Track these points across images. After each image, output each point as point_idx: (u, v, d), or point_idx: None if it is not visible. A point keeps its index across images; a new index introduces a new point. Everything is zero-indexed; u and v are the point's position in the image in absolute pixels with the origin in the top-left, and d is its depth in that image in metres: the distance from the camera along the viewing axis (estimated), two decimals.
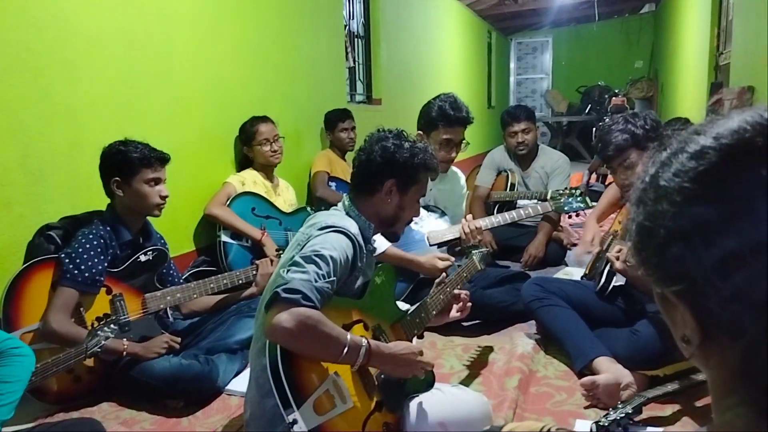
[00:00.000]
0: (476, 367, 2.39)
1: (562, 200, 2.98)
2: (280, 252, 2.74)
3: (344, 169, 4.30)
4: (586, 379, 2.06)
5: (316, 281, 1.52)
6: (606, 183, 6.21)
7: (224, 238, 3.13)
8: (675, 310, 0.58)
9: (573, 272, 3.56)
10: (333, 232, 1.68)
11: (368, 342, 1.57)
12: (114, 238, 2.25)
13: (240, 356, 2.40)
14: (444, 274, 2.29)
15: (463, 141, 2.90)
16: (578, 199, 2.94)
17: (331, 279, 1.56)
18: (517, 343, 2.53)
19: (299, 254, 1.60)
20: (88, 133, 2.58)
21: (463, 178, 3.11)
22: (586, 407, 2.05)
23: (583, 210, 2.95)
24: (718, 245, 0.51)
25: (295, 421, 1.48)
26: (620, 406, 1.90)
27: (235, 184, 3.27)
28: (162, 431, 1.98)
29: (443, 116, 2.81)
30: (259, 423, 1.76)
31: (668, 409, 1.99)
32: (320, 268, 1.55)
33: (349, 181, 4.11)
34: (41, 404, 2.07)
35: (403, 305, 2.28)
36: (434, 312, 2.00)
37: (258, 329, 1.82)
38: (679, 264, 0.54)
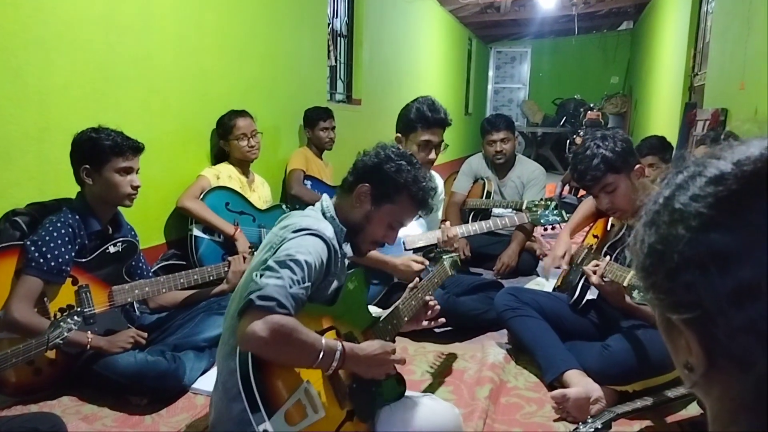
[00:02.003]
0: (447, 374, 2.38)
1: (538, 212, 2.99)
2: (253, 249, 2.69)
3: (320, 168, 4.26)
4: (557, 392, 2.06)
5: (290, 287, 1.48)
6: (579, 195, 6.28)
7: (196, 232, 3.06)
8: (679, 337, 0.57)
9: (544, 282, 3.57)
10: (308, 235, 1.64)
11: (342, 345, 1.54)
12: (83, 228, 2.17)
13: (207, 354, 2.34)
14: (417, 278, 2.27)
15: (442, 143, 2.89)
16: (554, 212, 2.96)
17: (305, 285, 1.53)
18: (488, 352, 2.53)
19: (273, 258, 1.56)
20: (59, 117, 2.50)
21: (441, 183, 3.10)
22: (555, 420, 2.05)
23: (558, 223, 2.96)
24: (734, 274, 0.50)
25: None
26: (590, 420, 1.91)
27: (209, 178, 3.21)
28: (124, 429, 1.91)
29: (422, 118, 2.79)
30: (226, 426, 1.71)
31: (636, 425, 2.00)
32: (295, 273, 1.51)
33: (324, 180, 4.10)
34: None
35: (375, 310, 2.26)
36: (406, 318, 1.97)
37: (227, 331, 1.78)
38: (691, 291, 0.52)
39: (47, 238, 2.06)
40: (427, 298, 1.99)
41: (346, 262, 1.87)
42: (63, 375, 2.09)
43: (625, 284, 2.02)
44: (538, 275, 3.76)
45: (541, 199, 3.60)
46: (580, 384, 2.13)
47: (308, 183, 4.06)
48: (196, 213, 3.05)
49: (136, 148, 2.24)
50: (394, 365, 1.68)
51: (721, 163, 0.53)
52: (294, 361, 1.53)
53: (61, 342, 1.80)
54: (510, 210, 3.82)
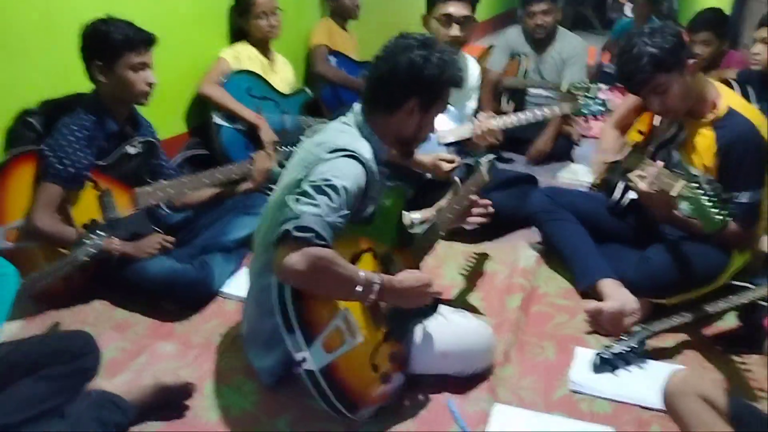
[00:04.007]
0: (477, 278, 2.34)
1: (581, 102, 2.77)
2: (278, 146, 2.58)
3: (345, 41, 3.97)
4: (591, 306, 2.02)
5: (328, 216, 1.42)
6: None
7: (217, 120, 2.94)
8: None
9: (579, 170, 3.45)
10: (345, 157, 1.53)
11: (381, 279, 1.49)
12: (99, 129, 2.07)
13: (235, 255, 2.33)
14: (455, 180, 2.13)
15: (470, 18, 2.63)
16: (597, 101, 2.74)
17: (343, 213, 1.46)
18: (519, 254, 2.47)
19: (309, 182, 1.47)
20: (65, 3, 2.30)
21: (476, 69, 2.87)
22: (587, 333, 2.03)
23: (602, 114, 2.76)
24: None
25: (304, 360, 1.44)
26: (624, 338, 1.88)
27: (229, 60, 3.02)
28: (156, 339, 1.93)
29: None
30: (258, 340, 1.73)
31: (671, 339, 1.97)
32: (332, 201, 1.44)
33: (350, 55, 3.86)
34: (30, 302, 2.01)
35: (409, 216, 2.17)
36: (442, 233, 1.90)
37: (259, 246, 1.74)
38: None
39: (63, 143, 1.97)
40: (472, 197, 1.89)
41: (385, 180, 1.76)
42: (93, 280, 2.09)
43: (674, 194, 1.88)
44: (573, 162, 3.61)
45: (582, 82, 3.37)
46: (614, 295, 2.09)
47: (333, 59, 3.81)
48: (218, 100, 2.91)
49: (149, 41, 2.07)
50: (431, 298, 1.63)
51: None
52: (332, 293, 1.51)
53: (88, 259, 1.78)
54: (548, 92, 3.59)
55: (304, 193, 1.46)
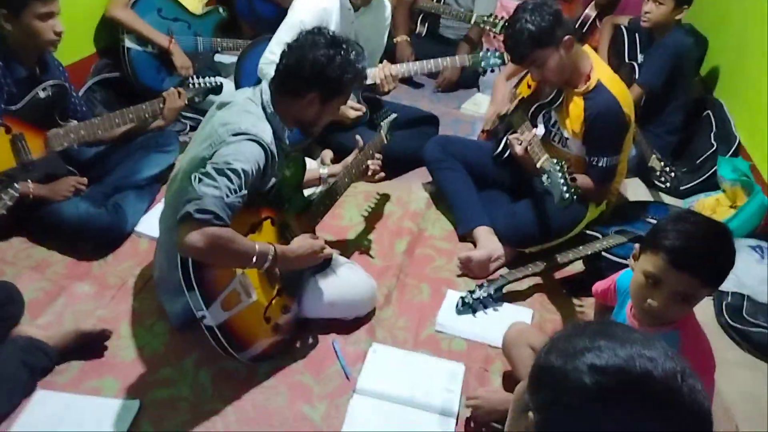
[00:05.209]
0: (373, 219, 2.61)
1: (480, 55, 2.96)
2: (192, 69, 2.69)
3: None
4: (463, 255, 2.35)
5: (227, 196, 1.60)
6: None
7: (128, 43, 2.94)
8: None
9: (482, 102, 3.68)
10: (247, 141, 1.70)
11: (274, 249, 1.72)
12: (8, 75, 2.12)
13: (148, 192, 2.49)
14: (359, 140, 2.33)
15: None
16: (496, 54, 2.94)
17: (242, 193, 1.65)
18: (412, 195, 2.75)
19: (212, 164, 1.65)
20: None
21: (389, 8, 2.96)
22: (459, 275, 2.37)
23: (499, 66, 2.96)
24: None
25: (204, 317, 1.69)
26: (485, 284, 2.23)
27: None
28: (73, 280, 2.13)
29: None
30: (168, 287, 1.96)
31: (526, 283, 2.34)
32: (232, 182, 1.62)
33: None
34: None
35: (318, 171, 2.36)
36: (338, 197, 2.14)
37: (168, 207, 1.92)
38: None
39: None
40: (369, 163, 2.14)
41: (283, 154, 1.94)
42: (9, 220, 2.22)
43: (537, 166, 2.18)
44: (479, 90, 3.84)
45: (491, 15, 3.53)
46: (485, 242, 2.43)
47: None
48: (127, 23, 2.90)
49: None
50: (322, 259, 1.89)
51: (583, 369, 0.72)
52: (229, 265, 1.74)
53: (5, 212, 1.91)
54: (459, 21, 3.72)
55: (207, 174, 1.63)
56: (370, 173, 2.23)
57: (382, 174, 2.28)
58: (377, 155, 2.27)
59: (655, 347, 0.75)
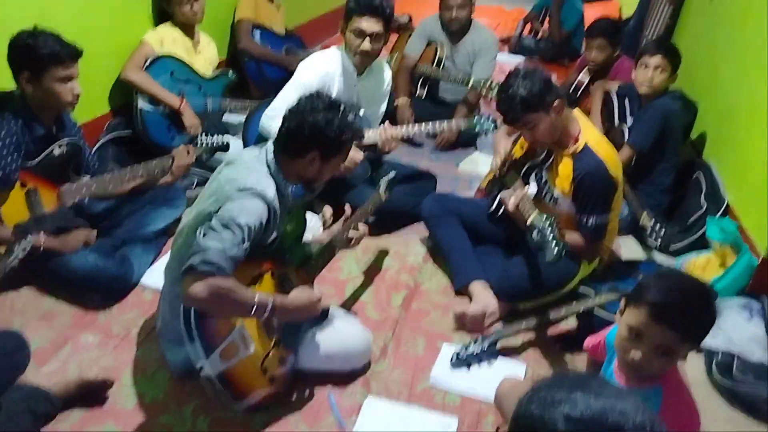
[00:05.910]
0: (371, 273, 2.69)
1: (474, 120, 3.11)
2: (201, 128, 2.82)
3: (271, 14, 4.10)
4: (458, 310, 2.42)
5: (230, 250, 1.69)
6: (537, 38, 6.20)
7: (141, 104, 3.09)
8: None
9: (479, 161, 3.81)
10: (250, 197, 1.80)
11: (273, 301, 1.80)
12: (26, 133, 2.24)
13: (154, 245, 2.58)
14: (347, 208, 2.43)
15: (382, 35, 2.79)
16: (489, 119, 3.09)
17: (245, 246, 1.73)
18: (410, 250, 2.84)
19: (217, 217, 1.74)
20: None
21: (389, 74, 3.11)
22: (455, 329, 2.43)
23: (492, 131, 3.10)
24: None
25: (202, 368, 1.75)
26: (480, 339, 2.28)
27: (152, 44, 3.14)
28: (80, 329, 2.20)
29: (356, 3, 2.75)
30: (169, 337, 2.02)
31: (519, 339, 2.39)
32: (235, 236, 1.71)
33: (274, 29, 3.99)
34: None
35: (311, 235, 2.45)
36: (337, 251, 2.22)
37: (174, 260, 2.00)
38: None
39: None
40: (352, 233, 2.23)
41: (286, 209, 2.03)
42: (20, 270, 2.30)
43: (527, 223, 2.26)
44: (477, 149, 3.97)
45: (488, 80, 3.70)
46: (480, 297, 2.49)
47: (257, 33, 3.96)
48: (141, 85, 3.05)
49: (75, 55, 2.22)
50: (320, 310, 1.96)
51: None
52: (230, 315, 1.81)
53: (17, 265, 2.00)
54: (457, 85, 3.89)
55: (212, 228, 1.72)
56: (353, 243, 2.30)
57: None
58: (366, 220, 2.34)
59: (629, 401, 0.81)
